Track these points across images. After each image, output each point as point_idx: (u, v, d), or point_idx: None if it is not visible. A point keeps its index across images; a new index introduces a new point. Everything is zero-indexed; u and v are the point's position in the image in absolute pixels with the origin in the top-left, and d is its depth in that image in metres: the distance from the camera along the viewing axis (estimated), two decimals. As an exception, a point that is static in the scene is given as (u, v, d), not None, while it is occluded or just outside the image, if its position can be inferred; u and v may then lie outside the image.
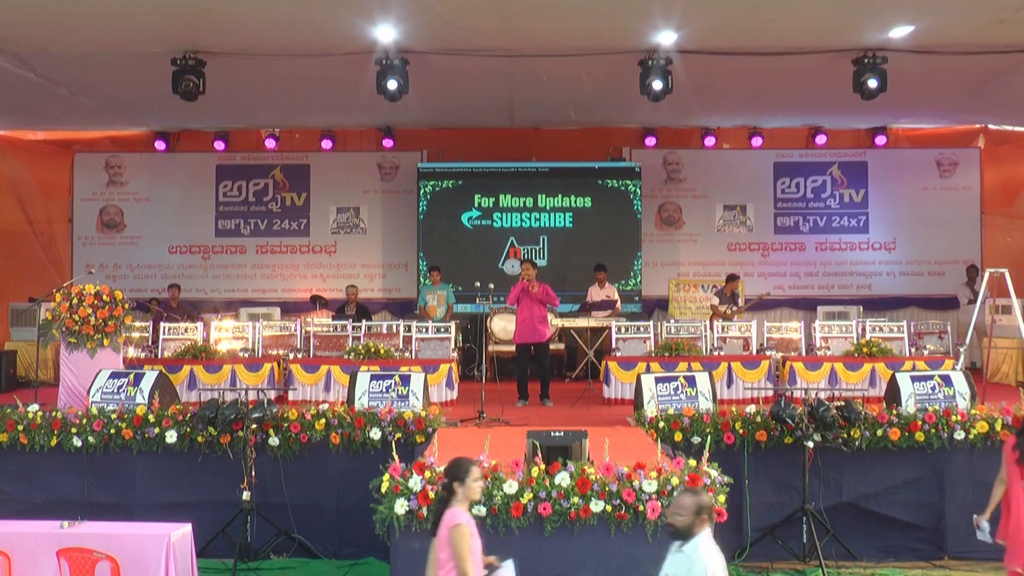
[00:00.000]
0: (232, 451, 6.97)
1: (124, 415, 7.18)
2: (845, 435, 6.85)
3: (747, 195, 14.26)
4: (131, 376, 7.85)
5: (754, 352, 9.98)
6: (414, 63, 9.29)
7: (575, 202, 13.59)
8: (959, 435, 6.93)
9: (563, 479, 5.12)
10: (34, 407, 7.39)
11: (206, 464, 7.10)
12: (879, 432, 6.90)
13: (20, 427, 7.16)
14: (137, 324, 9.82)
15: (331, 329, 10.22)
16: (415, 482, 5.15)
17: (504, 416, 8.24)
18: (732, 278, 12.00)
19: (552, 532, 5.08)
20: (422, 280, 13.20)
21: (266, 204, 14.37)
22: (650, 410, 7.40)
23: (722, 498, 5.15)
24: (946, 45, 9.04)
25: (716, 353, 9.84)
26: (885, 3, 7.96)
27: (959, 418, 7.00)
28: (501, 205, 13.61)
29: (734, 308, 11.45)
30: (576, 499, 5.05)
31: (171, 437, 7.03)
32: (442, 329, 10.04)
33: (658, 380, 7.84)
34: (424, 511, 5.06)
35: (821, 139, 13.83)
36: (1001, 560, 6.92)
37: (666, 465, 5.33)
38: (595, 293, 11.98)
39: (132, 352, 9.66)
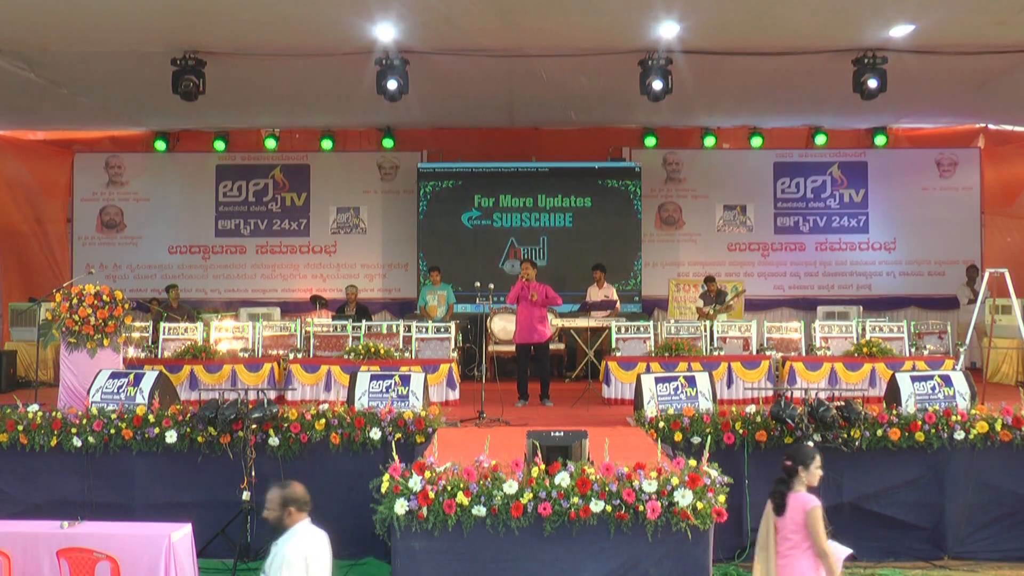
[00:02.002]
0: (232, 451, 6.96)
1: (124, 415, 7.17)
2: (845, 435, 6.85)
3: (747, 195, 14.27)
4: (131, 376, 7.84)
5: (754, 352, 9.98)
6: (414, 63, 9.29)
7: (575, 202, 13.60)
8: (959, 435, 6.92)
9: (563, 479, 5.11)
10: (34, 407, 7.38)
11: (206, 464, 7.09)
12: (879, 432, 6.89)
13: (20, 427, 7.15)
14: (137, 324, 9.82)
15: (331, 329, 10.21)
16: (415, 482, 5.14)
17: (504, 416, 8.23)
18: (710, 279, 12.11)
19: (552, 532, 5.07)
20: (422, 280, 13.21)
21: (266, 204, 14.37)
22: (650, 410, 7.39)
23: (722, 498, 5.14)
24: (946, 45, 9.05)
25: (716, 353, 9.84)
26: (885, 3, 7.96)
27: (959, 418, 6.99)
28: (501, 205, 13.62)
29: (717, 308, 11.52)
30: (576, 499, 5.04)
31: (171, 437, 7.03)
32: (442, 329, 10.04)
33: (658, 380, 7.83)
34: (424, 511, 5.06)
35: (821, 139, 13.84)
36: (1000, 560, 6.95)
37: (666, 465, 5.33)
38: (594, 293, 11.98)
39: (132, 352, 9.66)
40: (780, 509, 4.61)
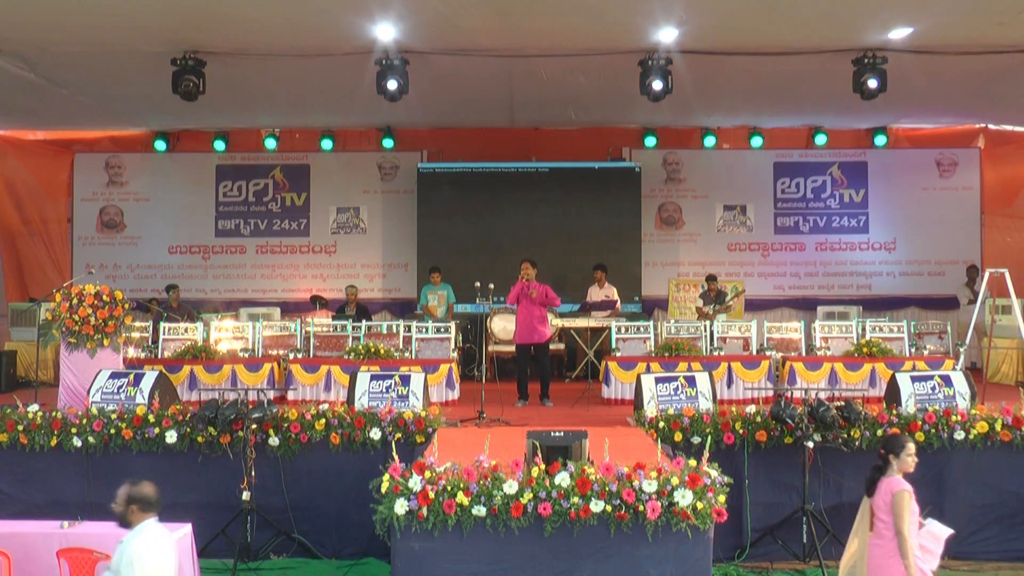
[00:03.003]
0: (232, 451, 6.96)
1: (124, 415, 7.17)
2: (845, 435, 6.85)
3: (747, 195, 14.27)
4: (131, 376, 7.84)
5: (754, 352, 9.98)
6: (414, 63, 9.29)
7: (575, 202, 13.58)
8: (959, 435, 6.92)
9: (563, 479, 5.11)
10: (34, 407, 7.38)
11: (206, 464, 7.10)
12: (879, 432, 6.89)
13: (20, 427, 7.15)
14: (137, 324, 9.81)
15: (331, 329, 10.21)
16: (415, 482, 5.13)
17: (504, 416, 8.24)
18: (711, 279, 12.07)
19: (552, 532, 5.07)
20: (424, 279, 13.20)
21: (266, 204, 14.38)
22: (650, 410, 7.40)
23: (722, 498, 5.14)
24: (946, 46, 9.05)
25: (716, 353, 9.84)
26: (885, 3, 7.96)
27: (959, 418, 6.99)
28: (501, 205, 13.61)
29: (716, 308, 11.53)
30: (576, 499, 5.04)
31: (171, 437, 7.03)
32: (442, 329, 10.04)
33: (658, 380, 7.83)
34: (424, 511, 5.06)
35: (821, 139, 13.84)
36: (1001, 560, 6.95)
37: (666, 465, 5.33)
38: (594, 293, 11.99)
39: (132, 352, 9.65)
40: (870, 491, 5.03)
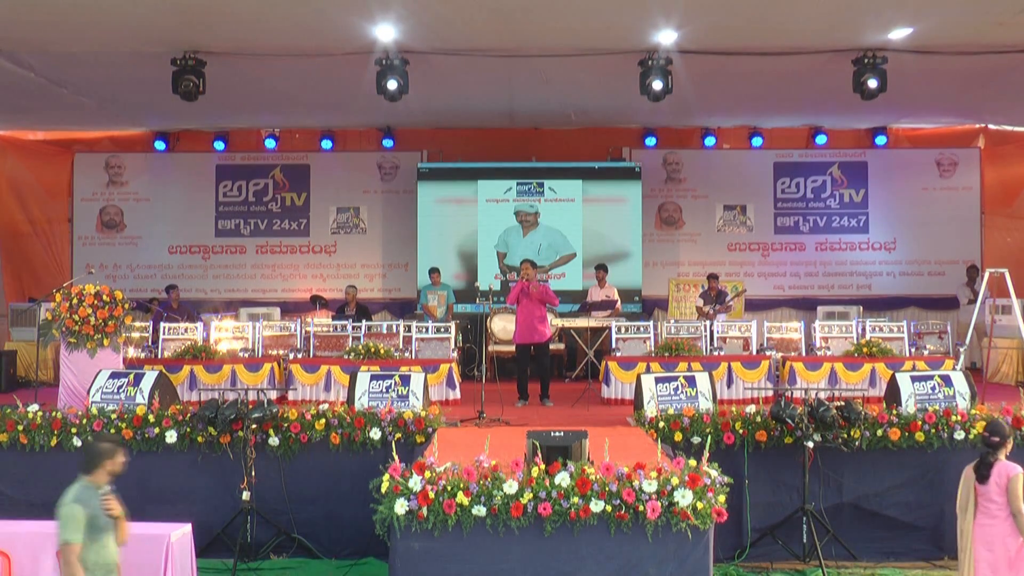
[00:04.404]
0: (232, 451, 6.96)
1: (124, 415, 7.17)
2: (845, 435, 6.85)
3: (747, 195, 14.27)
4: (131, 376, 7.83)
5: (754, 352, 9.97)
6: (414, 63, 9.30)
7: (575, 202, 13.57)
8: (959, 435, 6.92)
9: (563, 479, 5.10)
10: (34, 407, 7.38)
11: (206, 464, 7.09)
12: (879, 432, 6.89)
13: (20, 427, 7.15)
14: (137, 324, 9.81)
15: (331, 329, 10.21)
16: (415, 482, 5.13)
17: (504, 416, 8.23)
18: (713, 278, 12.02)
19: (552, 532, 5.06)
20: (425, 279, 13.19)
21: (266, 204, 14.38)
22: (650, 410, 7.39)
23: (722, 498, 5.13)
24: (946, 46, 9.06)
25: (716, 353, 9.84)
26: (885, 3, 7.96)
27: (959, 418, 6.99)
28: (501, 205, 13.60)
29: (717, 308, 11.52)
30: (576, 499, 5.03)
31: (171, 437, 7.03)
32: (442, 329, 10.04)
33: (658, 380, 7.83)
34: (424, 511, 5.06)
35: (821, 139, 13.85)
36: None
37: (666, 465, 5.32)
38: (595, 293, 11.99)
39: (132, 352, 9.65)
40: (984, 479, 5.21)
